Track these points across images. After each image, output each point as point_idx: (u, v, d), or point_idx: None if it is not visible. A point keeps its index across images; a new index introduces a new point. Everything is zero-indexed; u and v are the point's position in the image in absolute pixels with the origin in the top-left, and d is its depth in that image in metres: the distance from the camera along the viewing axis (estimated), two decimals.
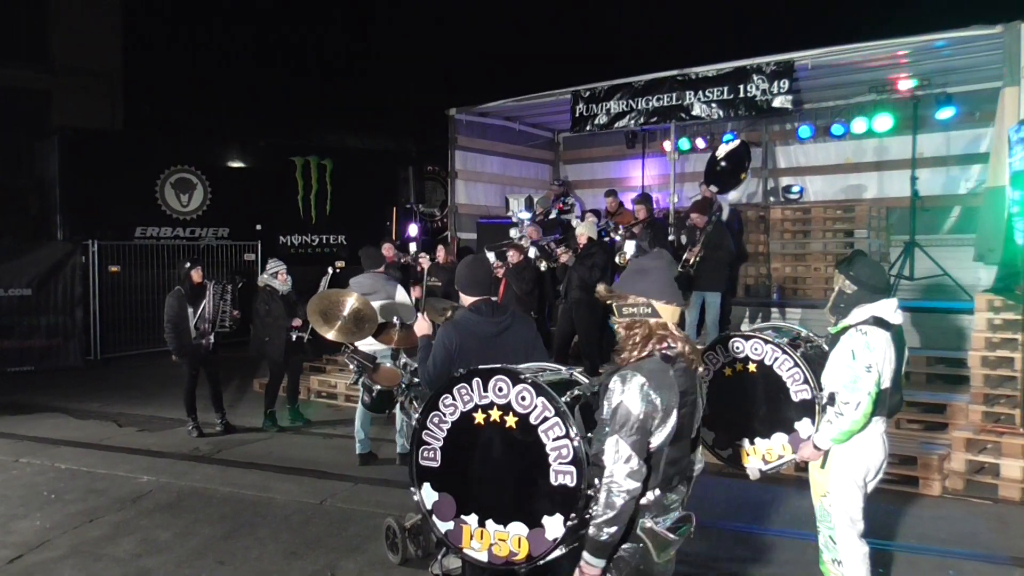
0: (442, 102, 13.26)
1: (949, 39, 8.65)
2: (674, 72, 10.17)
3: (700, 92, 9.92)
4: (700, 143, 12.36)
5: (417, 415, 3.33)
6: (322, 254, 16.48)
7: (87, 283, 13.17)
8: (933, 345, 8.16)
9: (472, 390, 3.14)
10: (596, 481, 2.74)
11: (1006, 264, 7.28)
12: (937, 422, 7.14)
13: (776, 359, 4.32)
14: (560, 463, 2.88)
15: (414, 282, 9.71)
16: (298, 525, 5.76)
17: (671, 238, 9.69)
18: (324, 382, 10.32)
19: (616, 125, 10.84)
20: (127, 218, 14.57)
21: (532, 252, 9.70)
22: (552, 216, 11.92)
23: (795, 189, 11.67)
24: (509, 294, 8.78)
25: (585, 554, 2.74)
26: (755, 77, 9.45)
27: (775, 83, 9.32)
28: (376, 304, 6.97)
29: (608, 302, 2.93)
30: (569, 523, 2.84)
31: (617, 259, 9.11)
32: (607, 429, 2.71)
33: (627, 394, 2.69)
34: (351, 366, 6.30)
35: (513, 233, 11.00)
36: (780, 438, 4.33)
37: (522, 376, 3.03)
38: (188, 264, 8.27)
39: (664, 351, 2.78)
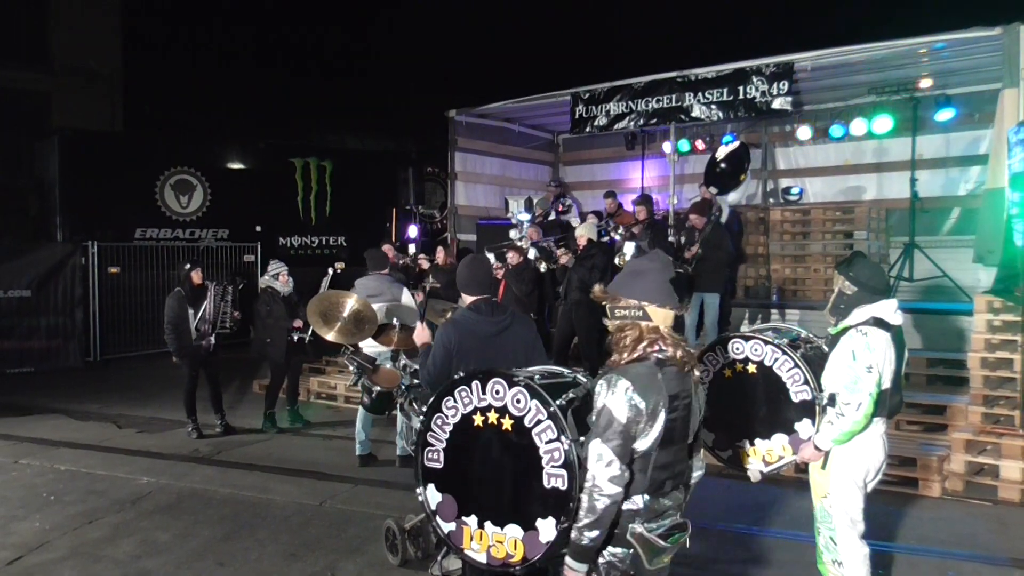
0: (442, 103, 13.27)
1: (949, 41, 8.66)
2: (674, 74, 10.18)
3: (700, 94, 9.92)
4: (700, 145, 12.38)
5: (419, 417, 3.35)
6: (322, 255, 16.47)
7: (87, 284, 13.17)
8: (933, 346, 8.17)
9: (472, 392, 3.16)
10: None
11: (1005, 265, 7.27)
12: (937, 423, 7.14)
13: (776, 360, 4.32)
14: (552, 466, 2.90)
15: (413, 283, 9.70)
16: (298, 526, 5.76)
17: (671, 239, 9.69)
18: (324, 383, 10.32)
19: (616, 126, 10.84)
20: (127, 219, 14.57)
21: (532, 253, 9.71)
22: (552, 218, 11.92)
23: (794, 191, 11.68)
24: (509, 295, 8.78)
25: (568, 559, 2.74)
26: (755, 79, 9.45)
27: (775, 85, 9.32)
28: (381, 306, 6.98)
29: (603, 303, 2.91)
30: (561, 526, 2.85)
31: (617, 260, 9.10)
32: (591, 432, 2.72)
33: (611, 398, 2.67)
34: (351, 367, 6.30)
35: (513, 234, 11.00)
36: (780, 439, 4.34)
37: (515, 378, 3.04)
38: (188, 265, 8.27)
39: (655, 354, 2.76)
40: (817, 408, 4.07)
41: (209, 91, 22.54)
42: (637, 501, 2.74)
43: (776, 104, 9.38)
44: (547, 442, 2.91)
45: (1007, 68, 7.91)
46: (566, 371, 3.35)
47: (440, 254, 10.66)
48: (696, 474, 3.02)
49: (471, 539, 3.16)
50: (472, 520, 3.16)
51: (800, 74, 9.41)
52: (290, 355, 8.52)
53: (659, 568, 2.80)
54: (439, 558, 4.60)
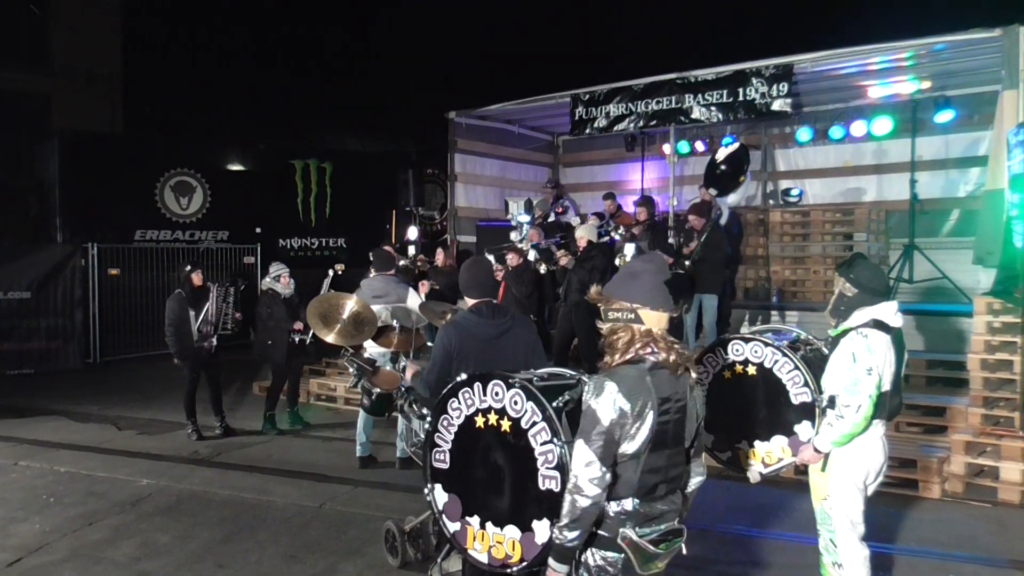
0: (442, 103, 13.28)
1: (948, 42, 8.66)
2: (673, 75, 10.18)
3: (699, 95, 9.92)
4: (699, 146, 12.39)
5: (419, 418, 3.37)
6: (322, 257, 16.49)
7: (87, 286, 13.17)
8: (932, 348, 8.17)
9: (474, 394, 3.20)
10: None
11: (1005, 267, 7.27)
12: (936, 425, 7.14)
13: (776, 362, 4.32)
14: (547, 468, 2.92)
15: (412, 285, 9.68)
16: (297, 528, 5.76)
17: (671, 241, 9.69)
18: (324, 385, 10.32)
19: (616, 128, 10.84)
20: (127, 221, 14.58)
21: (531, 255, 9.71)
22: (551, 219, 11.92)
23: (794, 192, 11.69)
24: (508, 297, 8.78)
25: (550, 559, 2.75)
26: (754, 80, 9.45)
27: (774, 86, 9.32)
28: (388, 307, 6.98)
29: (598, 305, 2.90)
30: (555, 529, 2.86)
31: (617, 261, 9.10)
32: (577, 434, 2.72)
33: (596, 400, 2.66)
34: (350, 369, 6.30)
35: (513, 236, 11.00)
36: (780, 441, 4.34)
37: (511, 380, 3.07)
38: (189, 267, 8.28)
39: (649, 356, 2.74)
40: (817, 410, 4.06)
41: (209, 91, 22.54)
42: (627, 504, 2.72)
43: (776, 106, 9.37)
44: (542, 444, 2.94)
45: (1007, 69, 7.91)
46: (570, 372, 3.36)
47: (439, 256, 10.66)
48: (698, 479, 2.99)
49: (474, 539, 3.21)
50: (475, 520, 3.21)
51: (799, 75, 9.42)
52: (291, 357, 8.52)
53: (652, 574, 2.77)
54: (439, 560, 4.60)
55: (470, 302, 4.15)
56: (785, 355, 4.28)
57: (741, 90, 9.56)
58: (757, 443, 4.41)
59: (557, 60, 22.22)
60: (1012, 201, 7.11)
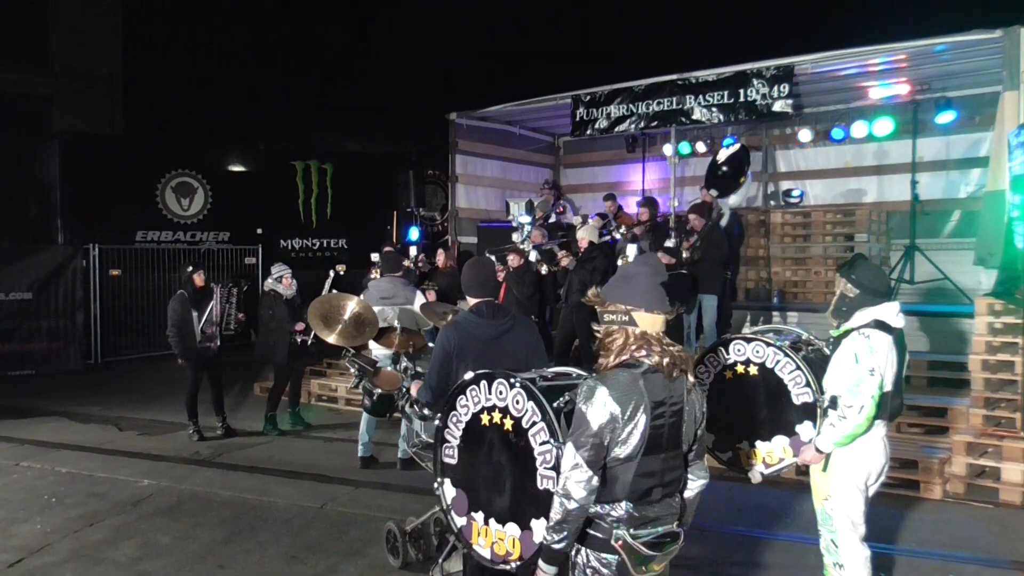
0: (442, 104, 13.30)
1: (949, 43, 8.66)
2: (674, 76, 10.18)
3: (700, 96, 9.93)
4: (700, 147, 12.37)
5: (419, 419, 3.38)
6: (323, 258, 16.51)
7: (88, 287, 13.18)
8: (934, 349, 8.17)
9: (480, 392, 3.25)
10: None
11: (1006, 268, 7.28)
12: (938, 426, 7.14)
13: (778, 362, 4.32)
14: (545, 467, 2.94)
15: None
16: (299, 529, 5.76)
17: (671, 242, 9.69)
18: (325, 386, 10.32)
19: (616, 129, 10.84)
20: (128, 222, 14.56)
21: (532, 256, 9.71)
22: (552, 220, 11.93)
23: (795, 193, 11.69)
24: (509, 298, 8.79)
25: (540, 560, 2.77)
26: (755, 81, 9.46)
27: (775, 87, 9.33)
28: (395, 309, 6.98)
29: (596, 307, 2.90)
30: (544, 530, 2.87)
31: (619, 262, 9.11)
32: (567, 436, 2.73)
33: (587, 404, 2.65)
34: (352, 370, 6.30)
35: (515, 237, 11.01)
36: (781, 441, 4.33)
37: (512, 380, 3.10)
38: (191, 268, 8.28)
39: (643, 359, 2.72)
40: (818, 410, 4.06)
41: (209, 91, 22.57)
42: (621, 507, 2.71)
43: (777, 107, 9.38)
44: (541, 444, 2.96)
45: (1007, 70, 7.92)
46: (576, 372, 3.37)
47: (440, 257, 10.66)
48: (699, 483, 2.96)
49: (478, 535, 3.26)
50: (479, 516, 3.26)
51: (800, 76, 9.42)
52: (293, 358, 8.53)
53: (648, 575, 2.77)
54: (440, 560, 4.60)
55: (471, 302, 4.15)
56: (787, 355, 4.28)
57: (742, 91, 9.56)
58: (758, 443, 4.41)
59: (557, 61, 22.27)
60: (1013, 202, 7.12)
